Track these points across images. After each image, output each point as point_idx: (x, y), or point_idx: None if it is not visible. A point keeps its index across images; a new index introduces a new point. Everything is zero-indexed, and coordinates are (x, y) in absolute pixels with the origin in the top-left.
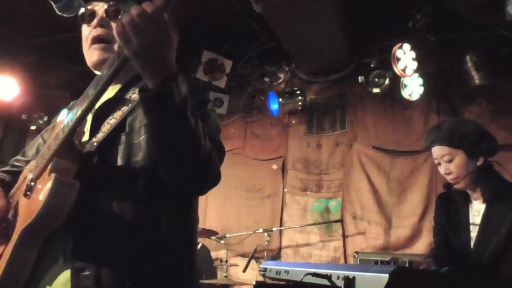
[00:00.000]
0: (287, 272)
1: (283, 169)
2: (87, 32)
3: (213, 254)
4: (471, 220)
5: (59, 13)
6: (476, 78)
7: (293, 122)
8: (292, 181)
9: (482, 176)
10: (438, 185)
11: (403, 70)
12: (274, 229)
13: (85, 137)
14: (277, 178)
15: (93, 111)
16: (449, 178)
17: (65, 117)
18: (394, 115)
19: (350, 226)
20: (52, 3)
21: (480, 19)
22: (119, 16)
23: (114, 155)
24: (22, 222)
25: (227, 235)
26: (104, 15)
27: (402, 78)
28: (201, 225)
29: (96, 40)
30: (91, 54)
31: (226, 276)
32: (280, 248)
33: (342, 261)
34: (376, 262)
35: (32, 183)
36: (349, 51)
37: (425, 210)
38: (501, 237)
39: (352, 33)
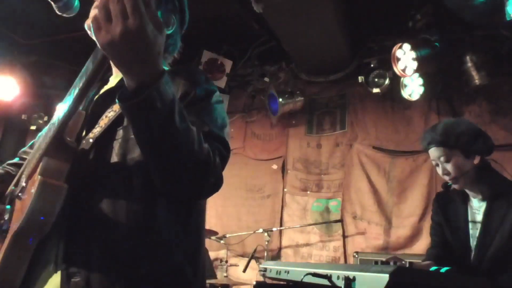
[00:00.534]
0: (287, 272)
1: (283, 169)
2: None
3: (213, 254)
4: (470, 218)
5: (59, 13)
6: (476, 78)
7: (293, 122)
8: (292, 181)
9: (480, 174)
10: (438, 185)
11: (403, 70)
12: (274, 229)
13: (85, 132)
14: (277, 178)
15: (92, 102)
16: (447, 178)
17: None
18: (394, 115)
19: (350, 226)
20: (52, 3)
21: (480, 19)
22: None
23: (110, 151)
24: (15, 225)
25: (227, 235)
26: None
27: (402, 78)
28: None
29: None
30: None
31: (226, 276)
32: (280, 248)
33: (342, 261)
34: (376, 262)
35: (24, 184)
36: (349, 51)
37: (425, 210)
38: (505, 233)
39: (352, 33)
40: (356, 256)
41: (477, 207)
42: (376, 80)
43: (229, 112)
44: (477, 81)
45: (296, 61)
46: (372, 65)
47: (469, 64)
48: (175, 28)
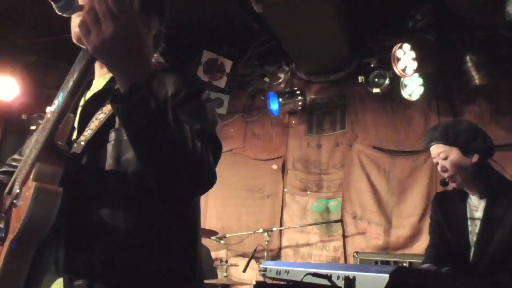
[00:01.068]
0: (287, 272)
1: (283, 169)
2: None
3: (213, 254)
4: (469, 215)
5: (59, 13)
6: (476, 78)
7: (293, 122)
8: (292, 181)
9: (478, 172)
10: (438, 185)
11: (403, 70)
12: (274, 229)
13: (75, 135)
14: (277, 178)
15: (81, 104)
16: (445, 175)
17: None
18: (394, 115)
19: (350, 226)
20: (52, 3)
21: (480, 19)
22: None
23: (103, 154)
24: (11, 233)
25: (227, 235)
26: None
27: (402, 78)
28: (201, 225)
29: None
30: None
31: (226, 276)
32: (280, 248)
33: (342, 261)
34: (376, 262)
35: (18, 190)
36: (349, 51)
37: (425, 210)
38: (506, 229)
39: (352, 33)
40: (356, 256)
41: (476, 205)
42: (376, 80)
43: (229, 112)
44: (477, 81)
45: (296, 61)
46: (372, 65)
47: (469, 64)
48: (158, 28)
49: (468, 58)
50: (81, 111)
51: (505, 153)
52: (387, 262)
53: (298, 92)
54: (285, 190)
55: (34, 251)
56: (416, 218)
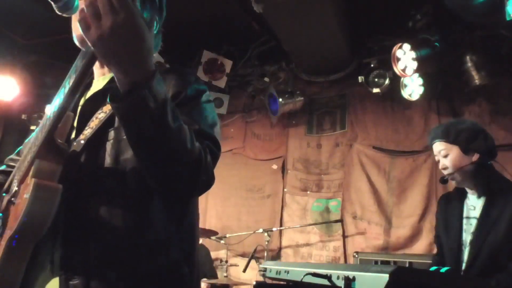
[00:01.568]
0: (287, 272)
1: (283, 169)
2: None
3: (213, 254)
4: (465, 214)
5: (59, 13)
6: (476, 78)
7: (293, 122)
8: (292, 181)
9: (477, 172)
10: (438, 185)
11: (403, 70)
12: (274, 229)
13: (74, 134)
14: (277, 178)
15: (81, 103)
16: (445, 173)
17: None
18: (394, 115)
19: (350, 226)
20: (52, 3)
21: (480, 19)
22: None
23: (102, 153)
24: (9, 230)
25: (227, 235)
26: None
27: (402, 78)
28: (201, 225)
29: None
30: None
31: (226, 276)
32: (280, 248)
33: (342, 261)
34: (376, 262)
35: (17, 188)
36: (349, 51)
37: (425, 210)
38: (500, 229)
39: (352, 33)
40: (356, 256)
41: (473, 204)
42: (376, 80)
43: (229, 112)
44: (477, 81)
45: (296, 61)
46: (372, 65)
47: (469, 64)
48: (158, 27)
49: (468, 58)
50: (81, 110)
51: (505, 153)
52: (387, 262)
53: (298, 92)
54: (285, 190)
55: (32, 249)
56: (416, 218)
